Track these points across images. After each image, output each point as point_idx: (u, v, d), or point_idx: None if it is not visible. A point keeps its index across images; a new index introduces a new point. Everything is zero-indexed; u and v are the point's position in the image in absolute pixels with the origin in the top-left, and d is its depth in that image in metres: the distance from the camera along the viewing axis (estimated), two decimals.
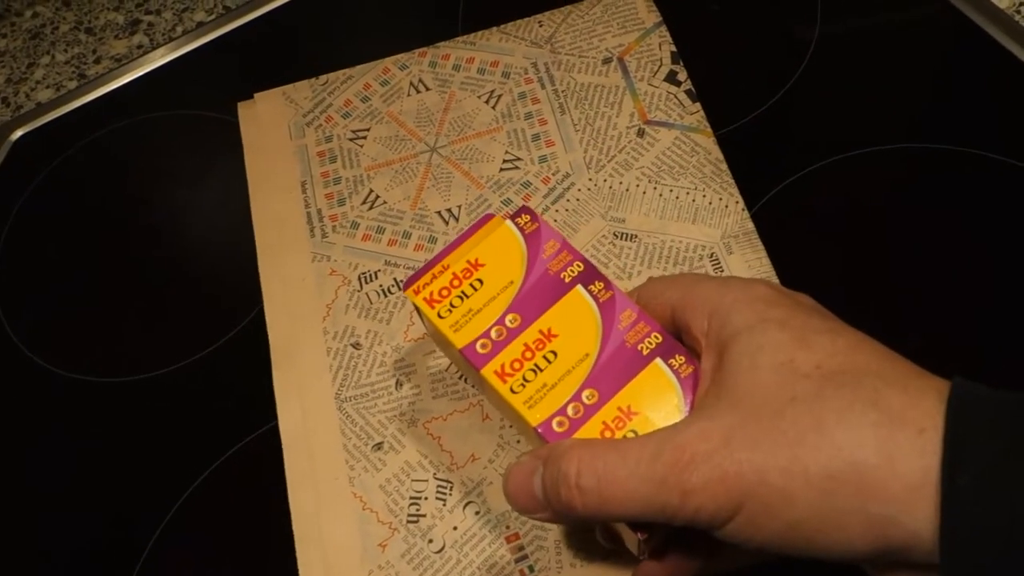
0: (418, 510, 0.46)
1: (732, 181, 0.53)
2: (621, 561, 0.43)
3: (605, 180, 0.54)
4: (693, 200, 0.53)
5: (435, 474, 0.47)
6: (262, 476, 0.48)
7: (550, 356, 0.38)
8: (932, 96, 0.56)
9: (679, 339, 0.37)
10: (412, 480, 0.47)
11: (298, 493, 0.47)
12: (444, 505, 0.46)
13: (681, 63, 0.57)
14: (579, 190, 0.54)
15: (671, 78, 0.57)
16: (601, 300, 0.38)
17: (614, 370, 0.37)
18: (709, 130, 0.55)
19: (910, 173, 0.54)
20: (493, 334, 0.38)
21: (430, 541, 0.45)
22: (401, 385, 0.49)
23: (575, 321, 0.38)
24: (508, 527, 0.45)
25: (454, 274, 0.40)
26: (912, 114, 0.55)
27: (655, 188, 0.53)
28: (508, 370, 0.38)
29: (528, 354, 0.38)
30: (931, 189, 0.53)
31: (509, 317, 0.39)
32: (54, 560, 0.48)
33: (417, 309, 0.40)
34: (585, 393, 0.37)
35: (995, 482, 0.27)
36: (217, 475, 0.49)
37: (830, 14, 0.60)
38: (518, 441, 0.47)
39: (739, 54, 0.59)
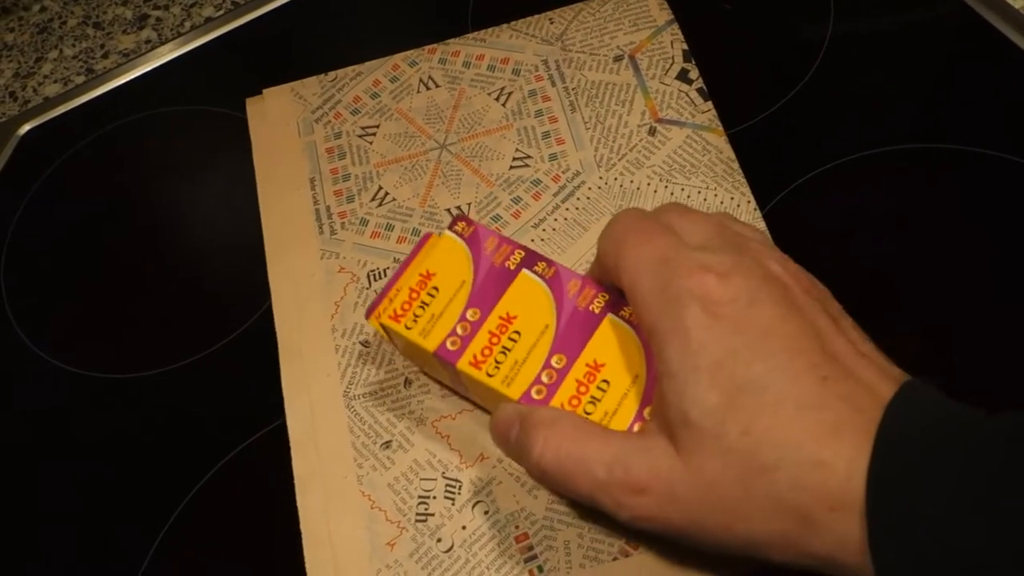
0: (427, 509, 0.46)
1: (744, 180, 0.53)
2: (632, 563, 0.43)
3: (616, 179, 0.54)
4: (705, 199, 0.52)
5: (444, 473, 0.47)
6: (269, 474, 0.48)
7: (514, 336, 0.42)
8: (945, 97, 0.56)
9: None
10: (421, 479, 0.47)
11: (306, 491, 0.47)
12: (453, 504, 0.46)
13: (693, 61, 0.57)
14: (589, 188, 0.54)
15: (683, 76, 0.57)
16: (547, 277, 0.43)
17: (574, 333, 0.42)
18: (721, 129, 0.54)
19: (923, 174, 0.53)
20: (459, 330, 0.42)
21: (439, 540, 0.45)
22: (410, 383, 0.49)
23: (529, 300, 0.43)
24: (517, 527, 0.45)
25: (410, 288, 0.44)
26: (925, 115, 0.55)
27: (666, 187, 0.53)
28: (480, 358, 0.42)
29: (494, 339, 0.42)
30: (944, 190, 0.52)
31: (469, 312, 0.43)
32: (55, 559, 0.48)
33: (384, 330, 0.44)
34: (554, 359, 0.41)
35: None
36: (224, 473, 0.49)
37: (843, 13, 0.59)
38: None
39: (751, 52, 0.59)
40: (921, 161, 0.53)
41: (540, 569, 0.44)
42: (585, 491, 0.36)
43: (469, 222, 0.45)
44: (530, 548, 0.44)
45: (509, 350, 0.42)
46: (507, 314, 0.42)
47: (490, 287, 0.43)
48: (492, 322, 0.42)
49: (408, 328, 0.43)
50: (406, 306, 0.43)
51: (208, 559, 0.47)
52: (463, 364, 0.42)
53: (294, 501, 0.47)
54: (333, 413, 0.49)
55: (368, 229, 0.54)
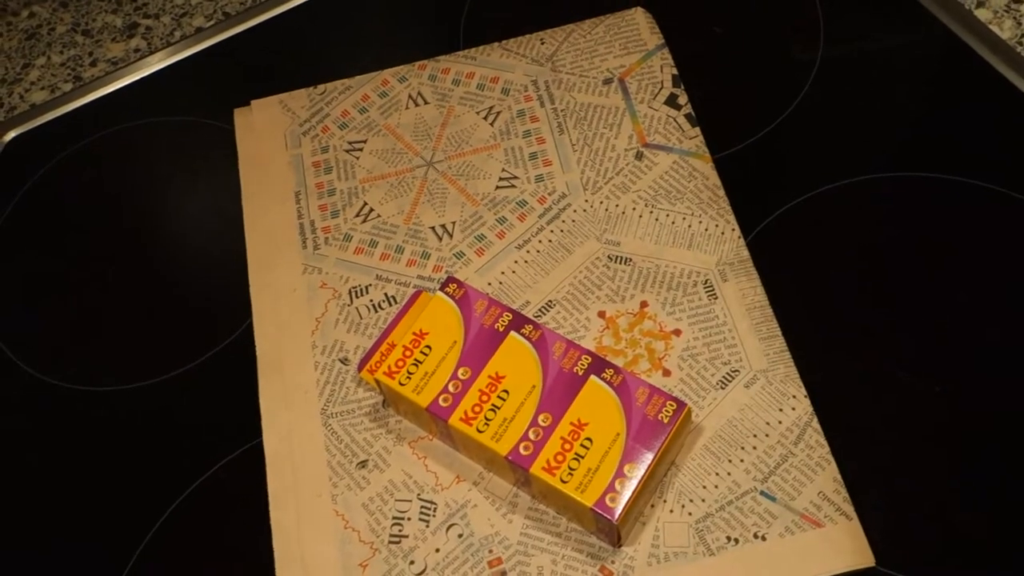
0: (400, 530, 0.45)
1: (729, 208, 0.53)
2: None
3: (601, 202, 0.54)
4: (689, 225, 0.52)
5: (419, 495, 0.46)
6: (246, 493, 0.48)
7: (503, 395, 0.44)
8: (933, 125, 0.56)
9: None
10: (396, 500, 0.46)
11: (280, 509, 0.47)
12: (427, 526, 0.45)
13: (682, 86, 0.57)
14: (575, 211, 0.54)
15: (671, 101, 0.57)
16: (534, 339, 0.45)
17: (558, 393, 0.44)
18: (708, 155, 0.54)
19: (909, 202, 0.53)
20: (451, 388, 0.45)
21: (411, 563, 0.45)
22: (388, 403, 0.49)
23: (517, 361, 0.45)
24: (491, 551, 0.44)
25: (404, 347, 0.46)
26: (913, 142, 0.55)
27: (651, 212, 0.53)
28: (471, 414, 0.44)
29: (484, 397, 0.44)
30: (931, 218, 0.52)
31: (460, 371, 0.45)
32: (38, 567, 0.48)
33: (378, 384, 0.46)
34: (540, 417, 0.44)
35: None
36: (201, 491, 0.49)
37: (833, 39, 0.60)
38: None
39: (740, 77, 0.59)
40: (908, 189, 0.53)
41: None
42: None
43: (460, 284, 0.48)
44: (503, 573, 0.44)
45: (498, 408, 0.44)
46: (496, 373, 0.45)
47: (480, 347, 0.46)
48: (482, 381, 0.45)
49: (402, 384, 0.45)
50: (400, 363, 0.46)
51: (183, 574, 0.47)
52: (454, 420, 0.44)
53: (269, 520, 0.46)
54: (310, 430, 0.49)
55: (352, 245, 0.54)
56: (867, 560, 0.42)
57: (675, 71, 0.58)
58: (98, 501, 0.49)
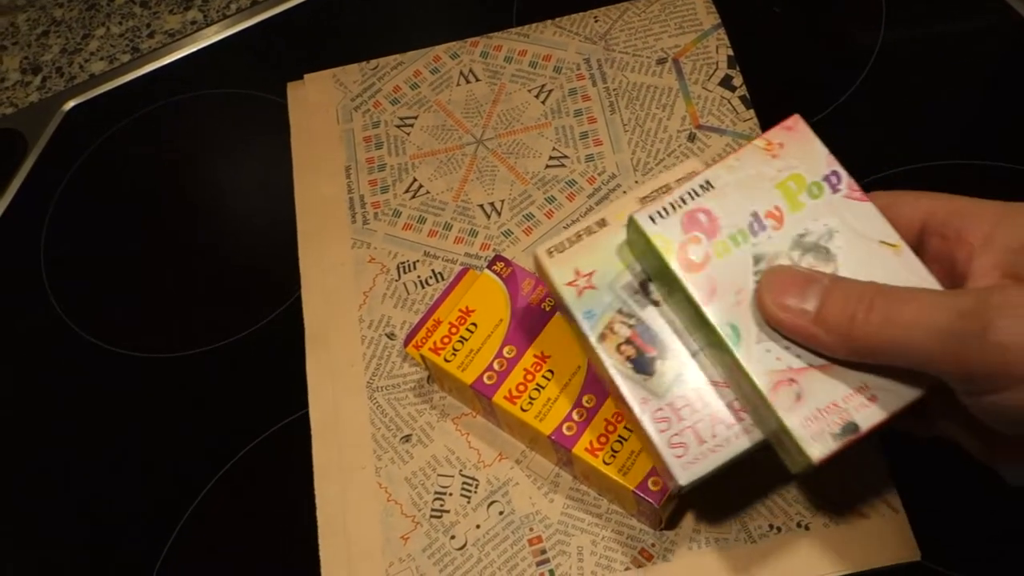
0: (442, 505, 0.46)
1: None
2: (642, 571, 0.43)
3: None
4: None
5: (461, 471, 0.46)
6: (291, 463, 0.48)
7: (548, 375, 0.44)
8: (997, 112, 0.54)
9: (920, 247, 0.35)
10: (438, 475, 0.47)
11: (324, 480, 0.47)
12: (468, 502, 0.46)
13: (737, 68, 0.56)
14: (624, 192, 0.53)
15: (726, 83, 0.56)
16: None
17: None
18: None
19: (969, 190, 0.52)
20: (496, 366, 0.44)
21: (452, 537, 0.45)
22: (433, 379, 0.49)
23: (562, 342, 0.44)
24: (531, 529, 0.44)
25: (450, 323, 0.45)
26: (975, 129, 0.54)
27: None
28: (515, 393, 0.43)
29: (529, 377, 0.44)
30: None
31: (506, 349, 0.45)
32: (88, 528, 0.49)
33: (423, 359, 0.46)
34: (584, 398, 0.43)
35: None
36: (247, 461, 0.49)
37: (895, 20, 0.58)
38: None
39: (798, 60, 0.58)
40: (966, 177, 0.52)
41: (551, 573, 0.43)
42: (932, 325, 0.29)
43: (507, 263, 0.47)
44: (543, 552, 0.44)
45: (543, 388, 0.43)
46: (541, 353, 0.44)
47: (526, 327, 0.45)
48: (527, 360, 0.44)
49: (447, 361, 0.45)
50: (446, 340, 0.45)
51: (228, 543, 0.47)
52: (499, 398, 0.44)
53: (313, 490, 0.47)
54: (355, 403, 0.49)
55: (400, 221, 0.54)
56: (912, 554, 0.42)
57: (731, 52, 0.57)
58: (144, 468, 0.50)
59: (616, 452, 0.41)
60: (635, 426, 0.38)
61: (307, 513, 0.46)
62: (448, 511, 0.46)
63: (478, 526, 0.45)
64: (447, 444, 0.47)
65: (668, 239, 0.35)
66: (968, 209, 0.33)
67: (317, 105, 0.59)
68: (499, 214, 0.54)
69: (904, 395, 0.32)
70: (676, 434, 0.36)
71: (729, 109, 0.55)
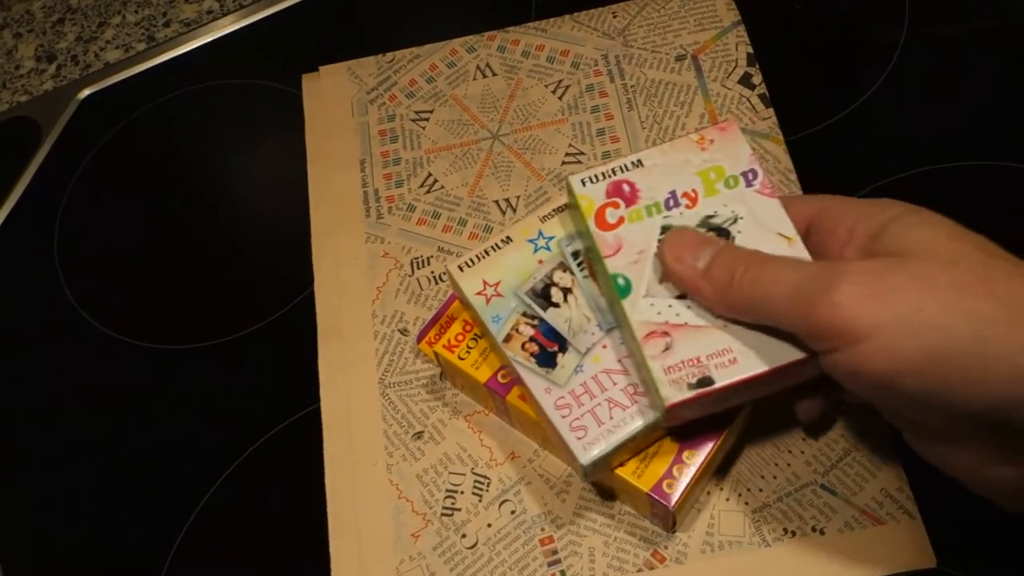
0: (453, 503, 0.45)
1: (800, 192, 0.51)
2: (654, 572, 0.42)
3: None
4: None
5: (473, 469, 0.46)
6: (302, 458, 0.48)
7: None
8: (1020, 113, 0.53)
9: (807, 243, 0.38)
10: (450, 473, 0.46)
11: (335, 476, 0.47)
12: (480, 501, 0.45)
13: (757, 66, 0.55)
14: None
15: (745, 80, 0.55)
16: None
17: None
18: (780, 138, 0.53)
19: (991, 192, 0.51)
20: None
21: (463, 536, 0.45)
22: (445, 376, 0.49)
23: None
24: (543, 529, 0.44)
25: (464, 321, 0.45)
26: (997, 130, 0.53)
27: None
28: None
29: None
30: (1015, 209, 0.50)
31: None
32: (97, 521, 0.49)
33: (436, 356, 0.46)
34: None
35: None
36: (258, 455, 0.49)
37: (918, 18, 0.57)
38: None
39: (819, 58, 0.57)
40: (988, 178, 0.51)
41: (563, 574, 0.43)
42: (785, 290, 0.33)
43: None
44: (554, 552, 0.44)
45: None
46: None
47: None
48: None
49: (461, 358, 0.45)
50: (460, 337, 0.45)
51: (237, 538, 0.47)
52: (513, 397, 0.43)
53: (324, 486, 0.47)
54: (367, 399, 0.49)
55: (415, 215, 0.54)
56: (928, 561, 0.41)
57: (750, 49, 0.56)
58: (154, 461, 0.50)
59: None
60: (540, 415, 0.41)
61: (318, 509, 0.46)
62: (459, 509, 0.45)
63: (489, 525, 0.45)
64: (459, 442, 0.47)
65: (591, 200, 0.40)
66: (837, 207, 0.37)
67: (332, 98, 0.59)
68: (514, 210, 0.53)
69: (762, 364, 0.35)
70: (577, 419, 0.39)
71: (748, 107, 0.54)
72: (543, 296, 0.42)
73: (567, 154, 0.55)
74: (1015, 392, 0.29)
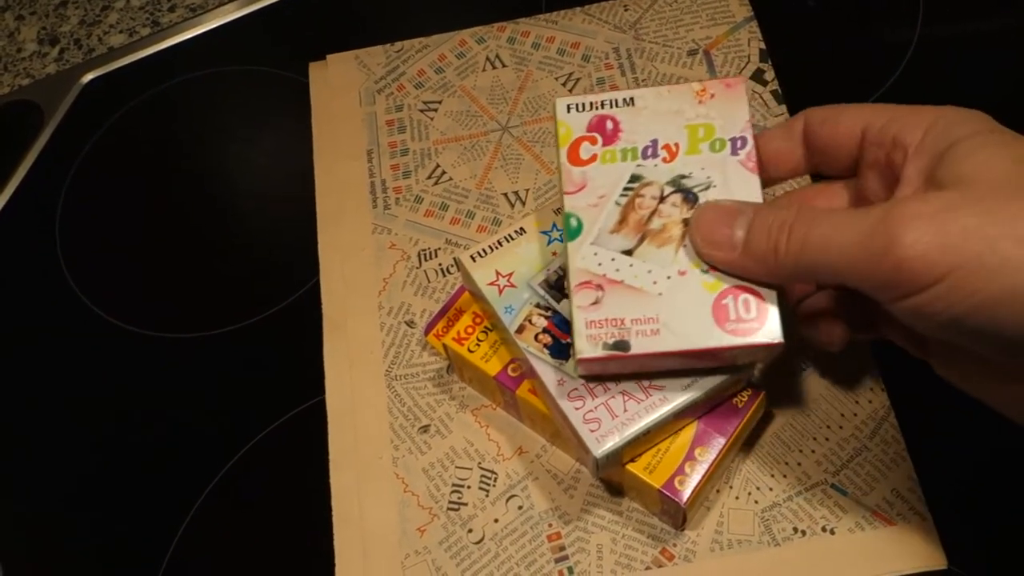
0: (460, 498, 0.45)
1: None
2: (663, 570, 0.42)
3: None
4: None
5: (480, 463, 0.46)
6: (306, 450, 0.47)
7: None
8: None
9: (861, 158, 0.36)
10: (456, 467, 0.46)
11: (340, 469, 0.47)
12: (487, 496, 0.45)
13: (769, 62, 0.55)
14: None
15: (758, 76, 0.55)
16: None
17: None
18: None
19: None
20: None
21: (470, 531, 0.44)
22: (452, 369, 0.48)
23: None
24: (551, 525, 0.44)
25: (473, 313, 0.45)
26: (1013, 128, 0.53)
27: None
28: None
29: None
30: None
31: None
32: (99, 512, 0.48)
33: (445, 349, 0.45)
34: None
35: None
36: (261, 447, 0.49)
37: (932, 16, 0.57)
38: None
39: (831, 55, 0.57)
40: None
41: (570, 571, 0.43)
42: (845, 244, 0.31)
43: None
44: (562, 548, 0.43)
45: None
46: None
47: None
48: None
49: (471, 351, 0.44)
50: (469, 330, 0.45)
51: (241, 531, 0.47)
52: (523, 391, 0.43)
53: (328, 479, 0.46)
54: (373, 392, 0.48)
55: (422, 207, 0.53)
56: (939, 561, 0.41)
57: (763, 45, 0.56)
58: (156, 452, 0.49)
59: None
60: (552, 407, 0.40)
61: (322, 502, 0.46)
62: (466, 504, 0.45)
63: (496, 520, 0.44)
64: (466, 436, 0.46)
65: (571, 128, 0.38)
66: (904, 115, 0.34)
67: (339, 87, 0.58)
68: (523, 203, 0.53)
69: (681, 342, 0.35)
70: (590, 411, 0.39)
71: (760, 104, 0.54)
72: (556, 288, 0.42)
73: None
74: None
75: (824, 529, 0.42)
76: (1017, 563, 0.41)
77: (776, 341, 0.35)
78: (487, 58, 0.58)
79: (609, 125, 0.38)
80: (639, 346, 0.35)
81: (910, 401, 0.45)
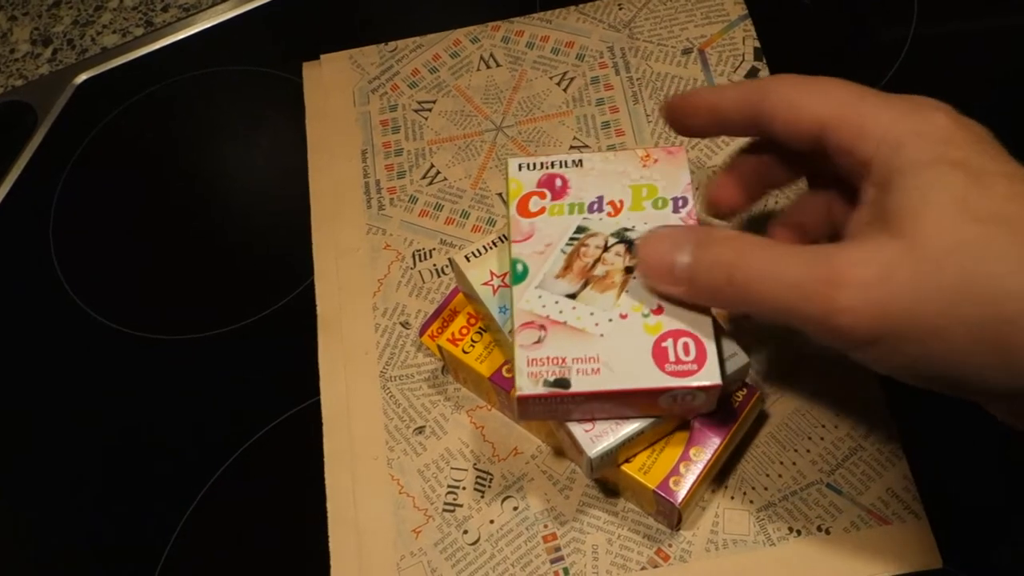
0: (455, 499, 0.45)
1: (806, 187, 0.51)
2: (658, 571, 0.42)
3: None
4: (764, 205, 0.50)
5: (475, 464, 0.46)
6: (301, 451, 0.47)
7: None
8: None
9: (821, 158, 0.35)
10: (451, 468, 0.46)
11: (335, 470, 0.47)
12: (482, 497, 0.45)
13: (764, 60, 0.55)
14: None
15: (752, 75, 0.55)
16: None
17: None
18: None
19: None
20: None
21: (465, 532, 0.44)
22: (447, 370, 0.48)
23: None
24: (546, 526, 0.44)
25: (468, 314, 0.45)
26: (1007, 129, 0.53)
27: None
28: None
29: None
30: None
31: None
32: (94, 513, 0.48)
33: (440, 350, 0.45)
34: None
35: None
36: (256, 448, 0.49)
37: (926, 15, 0.57)
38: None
39: (826, 53, 0.57)
40: None
41: (566, 572, 0.43)
42: (781, 300, 0.31)
43: None
44: (557, 549, 0.43)
45: None
46: None
47: None
48: None
49: (466, 352, 0.44)
50: (464, 331, 0.45)
51: (234, 534, 0.47)
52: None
53: (323, 481, 0.46)
54: (368, 393, 0.48)
55: (417, 207, 0.53)
56: (934, 561, 0.41)
57: (757, 44, 0.56)
58: (150, 453, 0.49)
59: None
60: None
61: (317, 503, 0.46)
62: (461, 505, 0.45)
63: (492, 521, 0.44)
64: (461, 437, 0.46)
65: (521, 184, 0.41)
66: (851, 121, 0.33)
67: (333, 86, 0.58)
68: None
69: (621, 381, 0.36)
70: None
71: None
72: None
73: (571, 147, 0.54)
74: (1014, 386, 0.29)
75: (820, 529, 0.42)
76: (1012, 563, 0.41)
77: (714, 383, 0.35)
78: (481, 57, 0.58)
79: (558, 183, 0.40)
80: (579, 384, 0.36)
81: (905, 400, 0.45)
